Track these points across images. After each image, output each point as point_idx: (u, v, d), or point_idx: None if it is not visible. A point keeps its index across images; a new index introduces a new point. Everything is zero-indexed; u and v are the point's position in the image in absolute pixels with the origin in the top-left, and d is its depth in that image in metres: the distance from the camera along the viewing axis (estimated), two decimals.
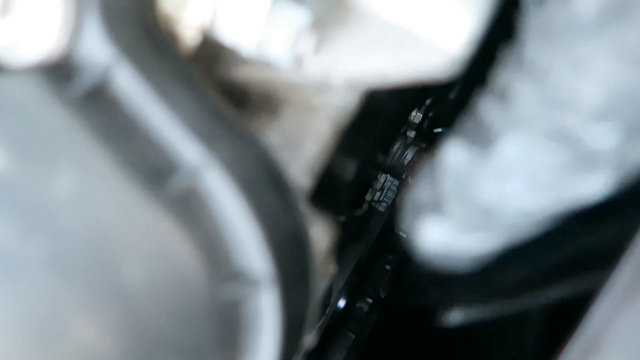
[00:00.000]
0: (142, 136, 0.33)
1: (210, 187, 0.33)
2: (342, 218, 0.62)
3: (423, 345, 0.79)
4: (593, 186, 0.35)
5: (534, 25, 0.34)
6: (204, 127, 0.34)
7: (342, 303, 1.02)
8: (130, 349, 0.32)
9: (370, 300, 1.03)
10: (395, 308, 0.84)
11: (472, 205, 0.37)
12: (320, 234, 0.42)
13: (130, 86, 0.33)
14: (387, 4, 0.37)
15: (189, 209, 0.32)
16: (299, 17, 0.36)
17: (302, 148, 0.43)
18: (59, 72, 0.32)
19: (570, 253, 0.64)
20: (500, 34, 0.39)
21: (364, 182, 0.76)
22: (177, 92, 0.34)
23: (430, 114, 0.83)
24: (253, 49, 0.37)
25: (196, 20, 0.36)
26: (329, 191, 0.48)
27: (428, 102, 0.81)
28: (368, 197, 0.78)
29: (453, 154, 0.37)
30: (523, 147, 0.35)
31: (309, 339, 0.40)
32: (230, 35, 0.37)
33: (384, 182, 0.82)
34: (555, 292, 0.65)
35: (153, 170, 0.32)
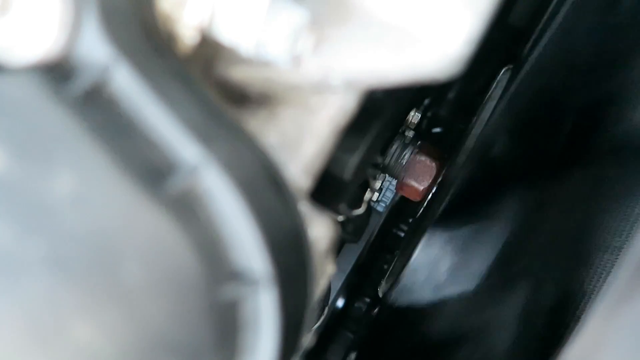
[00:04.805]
0: (141, 136, 0.33)
1: (209, 187, 0.33)
2: (341, 218, 0.62)
3: None
4: None
5: None
6: (203, 127, 0.34)
7: (340, 303, 1.02)
8: (129, 349, 0.32)
9: (368, 300, 1.03)
10: None
11: None
12: (319, 233, 0.42)
13: (129, 86, 0.33)
14: (386, 3, 0.37)
15: (188, 209, 0.32)
16: (298, 16, 0.36)
17: (301, 148, 0.43)
18: (57, 72, 0.32)
19: None
20: (500, 34, 0.39)
21: (363, 182, 0.76)
22: (175, 91, 0.34)
23: (429, 114, 0.83)
24: (252, 48, 0.37)
25: (195, 19, 0.36)
26: (327, 191, 0.48)
27: (426, 102, 0.81)
28: (366, 196, 0.78)
29: None
30: None
31: (308, 339, 0.40)
32: (229, 34, 0.37)
33: (382, 182, 0.82)
34: None
35: (151, 170, 0.32)
